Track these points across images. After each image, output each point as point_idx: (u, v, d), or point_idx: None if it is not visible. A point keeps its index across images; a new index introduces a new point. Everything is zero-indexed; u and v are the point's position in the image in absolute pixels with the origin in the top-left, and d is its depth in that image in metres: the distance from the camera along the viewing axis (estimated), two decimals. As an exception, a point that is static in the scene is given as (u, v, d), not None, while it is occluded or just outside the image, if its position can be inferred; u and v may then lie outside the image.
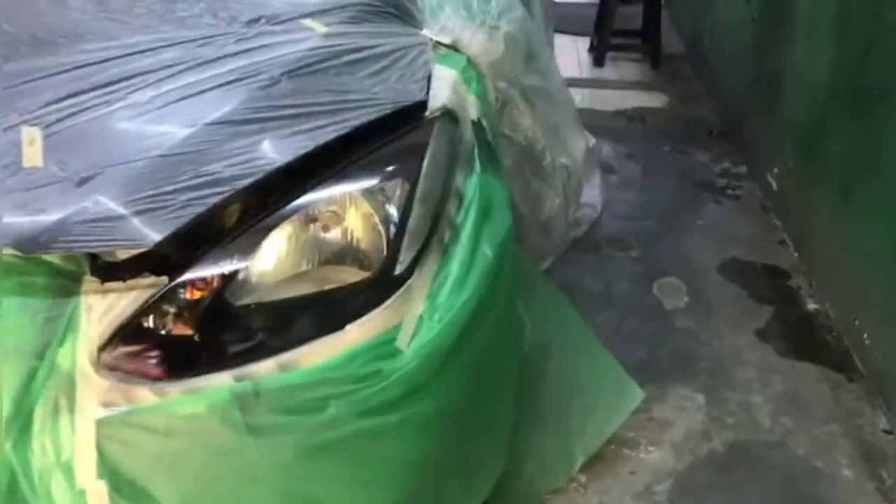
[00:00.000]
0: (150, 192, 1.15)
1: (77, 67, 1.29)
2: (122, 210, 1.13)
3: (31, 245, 1.09)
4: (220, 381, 1.16)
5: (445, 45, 1.66)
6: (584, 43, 5.10)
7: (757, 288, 2.73)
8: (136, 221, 1.12)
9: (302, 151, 1.25)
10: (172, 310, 1.16)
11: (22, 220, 1.10)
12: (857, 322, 2.38)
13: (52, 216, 1.11)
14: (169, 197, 1.16)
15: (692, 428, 2.13)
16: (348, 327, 1.23)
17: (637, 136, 3.91)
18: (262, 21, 1.49)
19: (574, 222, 2.11)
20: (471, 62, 1.70)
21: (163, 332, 1.16)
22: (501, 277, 1.48)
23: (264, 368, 1.18)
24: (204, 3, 1.51)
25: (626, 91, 4.49)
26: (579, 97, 4.31)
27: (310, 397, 1.19)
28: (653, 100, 4.40)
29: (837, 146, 2.56)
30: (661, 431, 2.12)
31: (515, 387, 1.61)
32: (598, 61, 4.83)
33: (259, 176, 1.22)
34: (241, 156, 1.23)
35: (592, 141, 3.34)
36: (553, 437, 1.83)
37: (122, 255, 1.16)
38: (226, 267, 1.20)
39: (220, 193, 1.19)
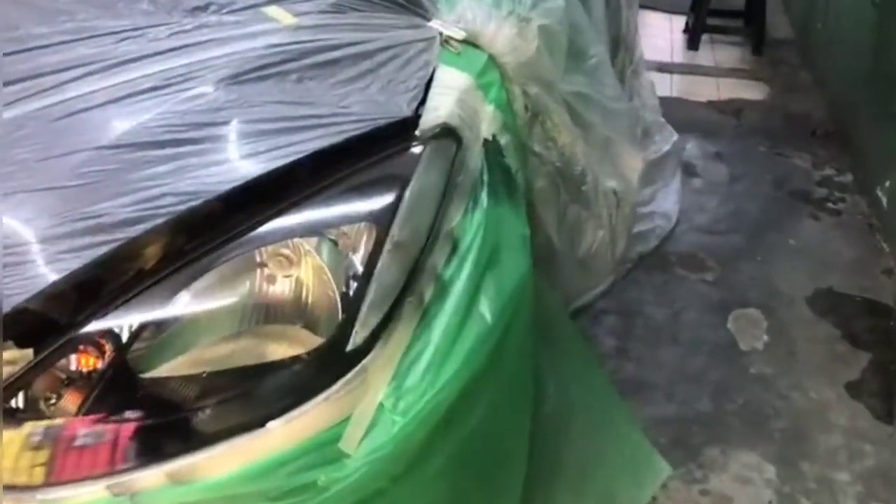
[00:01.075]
0: (14, 241, 0.88)
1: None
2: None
3: None
4: (90, 495, 0.89)
5: (460, 42, 1.33)
6: (678, 22, 4.62)
7: (853, 328, 2.30)
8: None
9: (224, 187, 0.95)
10: (32, 393, 0.90)
11: None
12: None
13: None
14: (41, 247, 0.89)
15: (756, 509, 1.77)
16: (271, 424, 0.94)
17: (728, 133, 3.47)
18: (212, 8, 1.18)
19: (620, 261, 1.76)
20: (493, 62, 1.36)
21: (19, 420, 0.90)
22: (508, 342, 1.16)
23: (151, 479, 0.90)
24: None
25: (721, 79, 4.02)
26: (667, 84, 3.89)
27: (210, 520, 0.91)
28: (751, 90, 3.92)
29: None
30: (717, 511, 1.77)
31: (523, 472, 1.29)
32: (693, 44, 4.36)
33: (163, 219, 0.93)
34: (145, 191, 0.94)
35: (674, 137, 2.94)
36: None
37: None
38: (112, 338, 0.93)
39: (109, 242, 0.91)
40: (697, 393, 2.07)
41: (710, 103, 3.76)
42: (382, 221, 1.05)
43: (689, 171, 3.10)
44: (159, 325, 0.98)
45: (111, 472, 0.89)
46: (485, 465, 1.18)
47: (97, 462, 0.89)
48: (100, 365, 0.95)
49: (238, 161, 1.01)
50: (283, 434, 0.94)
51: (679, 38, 4.51)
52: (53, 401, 0.93)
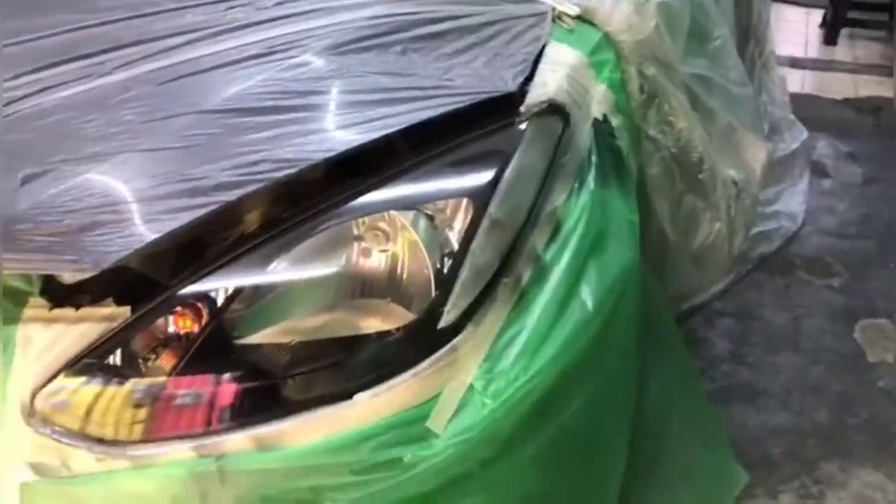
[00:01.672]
0: (115, 199, 0.90)
1: (70, 30, 1.05)
2: (73, 221, 0.88)
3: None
4: (178, 454, 0.89)
5: (574, 18, 1.28)
6: (816, 16, 4.37)
7: None
8: (86, 236, 0.87)
9: (321, 155, 0.94)
10: (130, 351, 0.91)
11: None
12: None
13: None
14: (141, 206, 0.90)
15: (877, 532, 1.64)
16: (358, 397, 0.92)
17: (865, 133, 3.24)
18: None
19: (741, 255, 1.66)
20: (608, 40, 1.30)
21: (113, 379, 0.91)
22: (611, 333, 1.10)
23: (235, 443, 0.90)
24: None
25: (859, 76, 3.77)
26: (799, 80, 3.68)
27: (294, 487, 0.90)
28: (892, 89, 3.66)
29: None
30: (833, 530, 1.65)
31: (622, 470, 1.23)
32: (830, 38, 4.10)
33: (263, 184, 0.93)
34: (245, 156, 0.94)
35: (804, 136, 2.77)
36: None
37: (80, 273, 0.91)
38: (208, 301, 0.93)
39: (209, 204, 0.91)
40: (817, 404, 1.94)
41: (846, 101, 3.53)
42: (481, 198, 1.01)
43: (819, 170, 2.91)
44: (255, 291, 0.98)
45: (200, 434, 0.90)
46: (581, 457, 1.13)
47: (190, 423, 0.90)
48: (195, 328, 0.96)
49: (337, 131, 1.00)
50: (370, 407, 0.92)
51: (815, 33, 4.26)
52: (149, 360, 0.95)
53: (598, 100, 1.22)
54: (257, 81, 1.00)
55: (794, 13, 4.42)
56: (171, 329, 0.94)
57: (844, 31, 4.14)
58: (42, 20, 1.11)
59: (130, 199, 0.90)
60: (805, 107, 3.06)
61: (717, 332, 2.15)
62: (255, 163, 0.94)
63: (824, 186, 2.85)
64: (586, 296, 1.08)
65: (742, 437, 1.84)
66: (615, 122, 1.25)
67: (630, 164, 1.27)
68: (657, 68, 1.35)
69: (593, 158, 1.18)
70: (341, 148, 0.97)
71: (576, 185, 1.13)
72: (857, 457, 1.79)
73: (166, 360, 0.93)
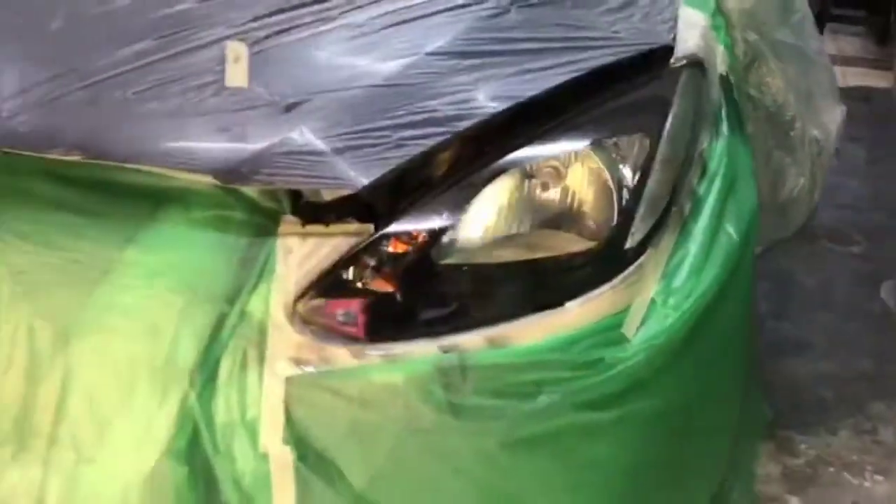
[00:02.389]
0: (362, 127, 1.01)
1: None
2: (329, 145, 0.99)
3: (231, 175, 0.97)
4: (423, 351, 1.01)
5: (695, -14, 1.42)
6: (799, 12, 4.61)
7: None
8: (343, 159, 0.98)
9: (529, 94, 1.06)
10: (375, 263, 1.02)
11: (223, 147, 0.99)
12: None
13: (256, 144, 0.98)
14: (381, 134, 1.01)
15: (930, 458, 1.82)
16: (569, 304, 1.05)
17: (861, 118, 3.45)
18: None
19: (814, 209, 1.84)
20: (719, 7, 1.45)
21: (365, 287, 1.02)
22: (743, 264, 1.24)
23: (471, 342, 1.02)
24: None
25: (846, 67, 4.00)
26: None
27: (521, 381, 1.02)
28: (878, 79, 3.92)
29: None
30: (891, 459, 1.82)
31: (742, 391, 1.38)
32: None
33: (479, 118, 1.05)
34: (461, 93, 1.06)
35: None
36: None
37: (327, 195, 1.02)
38: (434, 221, 1.05)
39: (437, 135, 1.03)
40: (857, 354, 2.13)
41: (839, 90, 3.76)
42: (653, 135, 1.15)
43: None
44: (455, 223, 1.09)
45: (444, 333, 1.02)
46: (721, 375, 1.27)
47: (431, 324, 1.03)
48: (410, 249, 1.07)
49: (531, 73, 1.12)
50: (577, 314, 1.05)
51: (800, 28, 4.51)
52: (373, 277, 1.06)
53: (720, 59, 1.37)
54: (463, 28, 1.12)
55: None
56: (392, 250, 1.05)
57: (829, 26, 4.39)
58: None
59: (376, 127, 1.01)
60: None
61: (758, 293, 2.32)
62: (470, 100, 1.06)
63: (833, 166, 3.05)
64: (730, 228, 1.22)
65: (795, 384, 2.01)
66: (732, 79, 1.40)
67: (744, 118, 1.42)
68: (757, 35, 1.50)
69: (722, 111, 1.32)
70: (541, 88, 1.09)
71: (714, 132, 1.28)
72: (900, 397, 1.98)
73: (391, 276, 1.04)
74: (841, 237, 2.62)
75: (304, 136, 0.98)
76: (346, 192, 0.99)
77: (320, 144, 0.98)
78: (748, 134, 1.52)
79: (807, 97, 1.65)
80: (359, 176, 0.98)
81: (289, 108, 1.01)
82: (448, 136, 1.03)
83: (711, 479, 1.33)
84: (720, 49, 1.38)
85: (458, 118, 1.05)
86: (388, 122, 1.02)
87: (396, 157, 1.00)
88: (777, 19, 1.55)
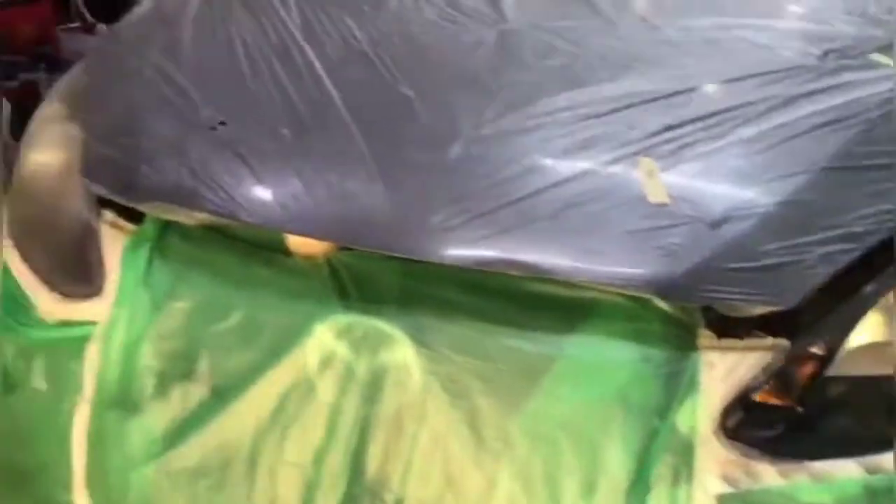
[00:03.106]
0: (787, 243, 1.03)
1: (667, 96, 1.21)
2: (761, 262, 1.01)
3: (672, 291, 1.00)
4: (848, 471, 1.01)
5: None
6: None
7: None
8: (776, 277, 1.01)
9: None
10: (796, 379, 1.03)
11: (659, 263, 1.02)
12: None
13: (691, 261, 1.01)
14: (804, 250, 1.03)
15: None
16: None
17: None
18: (835, 55, 1.33)
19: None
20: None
21: (786, 403, 1.03)
22: None
23: (888, 462, 1.01)
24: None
25: None
26: None
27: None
28: None
29: None
30: None
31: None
32: None
33: (887, 234, 1.06)
34: (864, 208, 1.08)
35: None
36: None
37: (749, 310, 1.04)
38: (845, 335, 1.06)
39: (851, 251, 1.04)
40: None
41: None
42: None
43: None
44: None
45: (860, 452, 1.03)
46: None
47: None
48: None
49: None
50: None
51: None
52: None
53: None
54: (846, 140, 1.14)
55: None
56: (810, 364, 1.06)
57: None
58: None
59: (797, 244, 1.03)
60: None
61: None
62: (877, 214, 1.07)
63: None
64: None
65: None
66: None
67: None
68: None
69: None
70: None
71: None
72: None
73: (810, 390, 1.05)
74: None
75: (740, 251, 1.02)
76: (778, 309, 1.01)
77: (753, 263, 1.01)
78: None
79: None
80: (791, 293, 1.00)
81: (716, 224, 1.04)
82: (862, 250, 1.05)
83: None
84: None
85: (869, 233, 1.06)
86: (808, 239, 1.04)
87: (822, 274, 1.02)
88: None
